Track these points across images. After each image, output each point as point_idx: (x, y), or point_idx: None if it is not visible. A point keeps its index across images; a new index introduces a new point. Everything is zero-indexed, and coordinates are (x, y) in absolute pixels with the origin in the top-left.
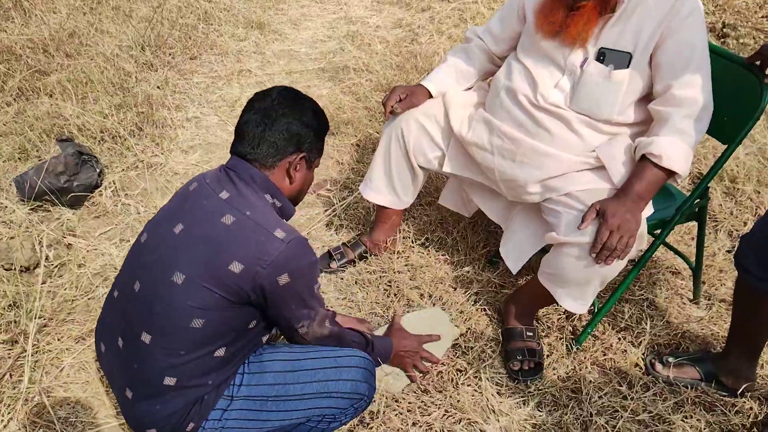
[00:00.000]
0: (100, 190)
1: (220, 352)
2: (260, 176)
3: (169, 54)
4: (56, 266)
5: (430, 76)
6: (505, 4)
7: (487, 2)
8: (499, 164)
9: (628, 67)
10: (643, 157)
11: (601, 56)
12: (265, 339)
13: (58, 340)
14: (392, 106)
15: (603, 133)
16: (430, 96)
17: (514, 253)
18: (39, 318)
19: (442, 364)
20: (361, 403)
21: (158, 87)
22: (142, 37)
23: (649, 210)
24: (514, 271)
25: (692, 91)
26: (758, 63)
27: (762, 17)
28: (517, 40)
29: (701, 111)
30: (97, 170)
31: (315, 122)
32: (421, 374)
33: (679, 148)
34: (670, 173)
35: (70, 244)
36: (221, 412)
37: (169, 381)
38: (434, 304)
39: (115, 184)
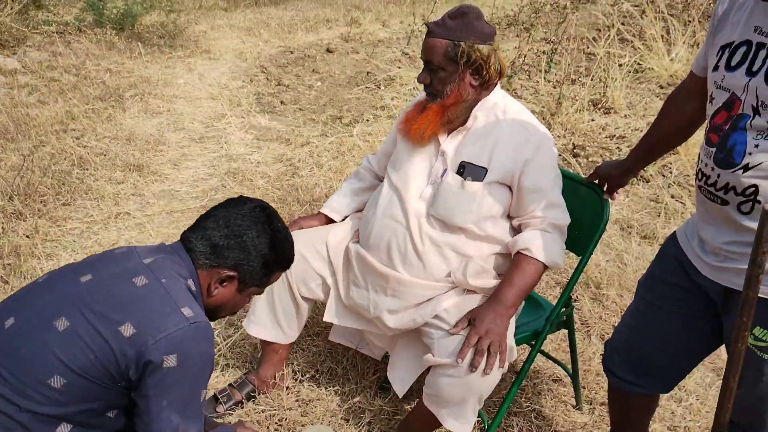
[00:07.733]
0: None
1: (64, 429)
2: (190, 265)
3: (41, 201)
4: None
5: (327, 202)
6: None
7: (363, 135)
8: (373, 299)
9: (482, 180)
10: (515, 255)
11: (462, 168)
12: None
13: None
14: None
15: (463, 254)
16: (330, 221)
17: (400, 378)
18: None
19: None
20: None
21: (27, 236)
22: (10, 187)
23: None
24: (401, 395)
25: (553, 212)
26: (596, 181)
27: (606, 137)
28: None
29: (561, 223)
30: None
31: (267, 251)
32: None
33: (542, 240)
34: (538, 269)
35: None
36: None
37: None
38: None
39: None
